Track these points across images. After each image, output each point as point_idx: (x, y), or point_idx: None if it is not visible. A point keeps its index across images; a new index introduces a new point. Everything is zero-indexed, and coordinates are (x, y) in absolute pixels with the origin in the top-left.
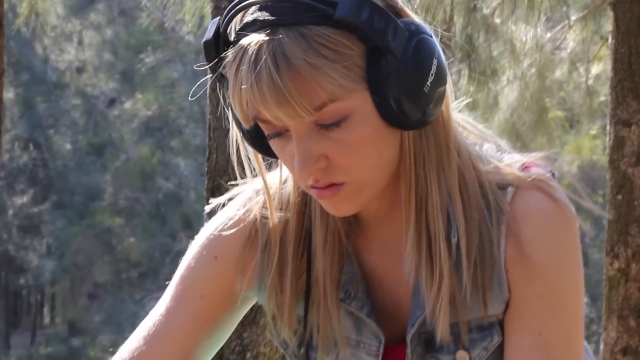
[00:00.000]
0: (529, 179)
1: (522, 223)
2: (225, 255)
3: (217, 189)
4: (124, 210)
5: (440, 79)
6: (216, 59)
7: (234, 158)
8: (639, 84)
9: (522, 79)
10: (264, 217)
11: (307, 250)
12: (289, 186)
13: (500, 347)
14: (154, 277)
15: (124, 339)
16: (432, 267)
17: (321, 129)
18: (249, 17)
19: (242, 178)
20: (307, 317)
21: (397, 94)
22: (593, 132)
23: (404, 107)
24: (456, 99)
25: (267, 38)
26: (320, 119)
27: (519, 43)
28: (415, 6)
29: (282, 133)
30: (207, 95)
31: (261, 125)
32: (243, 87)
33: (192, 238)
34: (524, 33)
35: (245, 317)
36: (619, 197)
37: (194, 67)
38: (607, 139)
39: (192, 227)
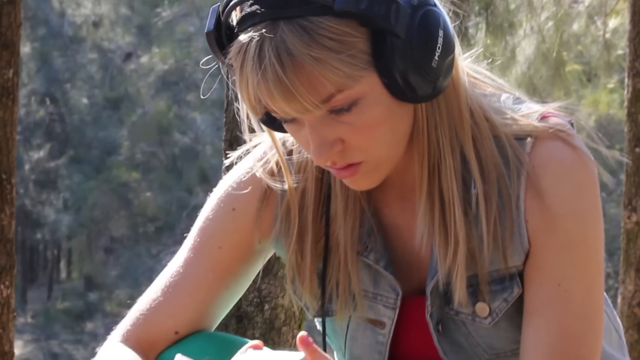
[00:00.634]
0: (548, 129)
1: (542, 173)
2: (243, 208)
3: (234, 141)
4: (141, 165)
5: (448, 49)
6: (220, 49)
7: (244, 121)
8: None
9: (539, 33)
10: (281, 181)
11: (326, 214)
12: (305, 153)
13: (520, 299)
14: (170, 232)
15: (141, 293)
16: (447, 232)
17: (332, 114)
18: (248, 9)
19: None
20: (326, 278)
21: (406, 72)
22: (610, 85)
23: (414, 84)
24: (473, 50)
25: (270, 35)
26: (330, 107)
27: None
28: None
29: (294, 119)
30: None
31: (272, 113)
32: (249, 84)
33: (209, 192)
34: None
35: (263, 269)
36: (637, 150)
37: (200, 65)
38: (625, 91)
39: (208, 181)
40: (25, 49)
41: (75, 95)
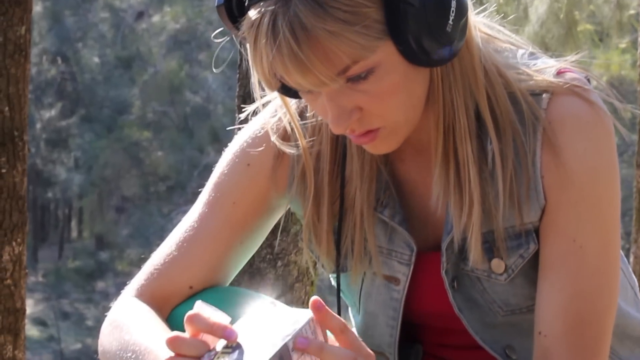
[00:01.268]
0: (564, 85)
1: (558, 129)
2: (257, 164)
3: (248, 97)
4: (152, 124)
5: (462, 11)
6: (232, 21)
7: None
8: None
9: None
10: (295, 144)
11: (342, 175)
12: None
13: (536, 255)
14: (181, 191)
15: (152, 252)
16: (462, 193)
17: (349, 83)
18: None
19: None
20: (342, 237)
21: (421, 38)
22: (622, 45)
23: (429, 49)
24: (485, 10)
25: (282, 9)
26: (346, 77)
27: None
28: None
29: (311, 90)
30: None
31: (287, 85)
32: (264, 59)
33: (220, 152)
34: None
35: (276, 225)
36: None
37: (212, 38)
38: (638, 52)
39: (219, 140)
40: (36, 7)
41: (87, 54)
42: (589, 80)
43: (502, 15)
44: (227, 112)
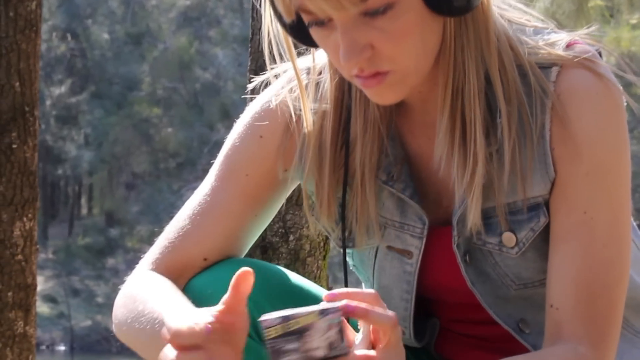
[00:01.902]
0: (574, 58)
1: (567, 101)
2: (269, 136)
3: (260, 70)
4: (162, 101)
5: None
6: None
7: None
8: None
9: None
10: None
11: (346, 141)
12: (326, 77)
13: (547, 228)
14: (191, 167)
15: (162, 229)
16: (466, 153)
17: (366, 18)
18: None
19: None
20: (345, 205)
21: None
22: (633, 21)
23: None
24: None
25: None
26: (365, 7)
27: None
28: None
29: (325, 23)
30: None
31: (303, 15)
32: None
33: (230, 128)
34: None
35: (288, 199)
36: None
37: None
38: None
39: (229, 117)
40: None
41: (97, 30)
42: (600, 54)
43: None
44: (237, 88)
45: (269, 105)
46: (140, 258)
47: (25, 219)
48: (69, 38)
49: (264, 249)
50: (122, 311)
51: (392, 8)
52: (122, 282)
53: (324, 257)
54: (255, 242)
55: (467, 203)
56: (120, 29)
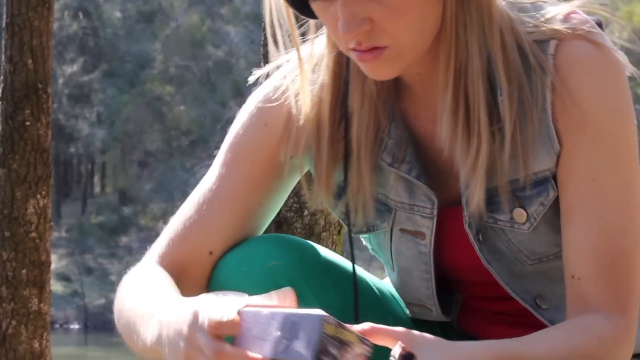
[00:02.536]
0: (571, 30)
1: (567, 73)
2: (274, 124)
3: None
4: (174, 78)
5: None
6: None
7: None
8: None
9: None
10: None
11: (345, 116)
12: (325, 52)
13: (557, 202)
14: (204, 145)
15: (175, 207)
16: (470, 133)
17: None
18: None
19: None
20: (347, 181)
21: None
22: None
23: None
24: None
25: None
26: None
27: None
28: None
29: None
30: None
31: None
32: None
33: (242, 106)
34: None
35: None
36: None
37: None
38: None
39: (242, 94)
40: None
41: (109, 8)
42: (600, 24)
43: None
44: (250, 65)
45: (273, 93)
46: (153, 236)
47: (39, 196)
48: (81, 16)
49: (279, 224)
50: (121, 308)
51: None
52: (136, 260)
53: (339, 231)
54: None
55: (472, 182)
56: (132, 7)
